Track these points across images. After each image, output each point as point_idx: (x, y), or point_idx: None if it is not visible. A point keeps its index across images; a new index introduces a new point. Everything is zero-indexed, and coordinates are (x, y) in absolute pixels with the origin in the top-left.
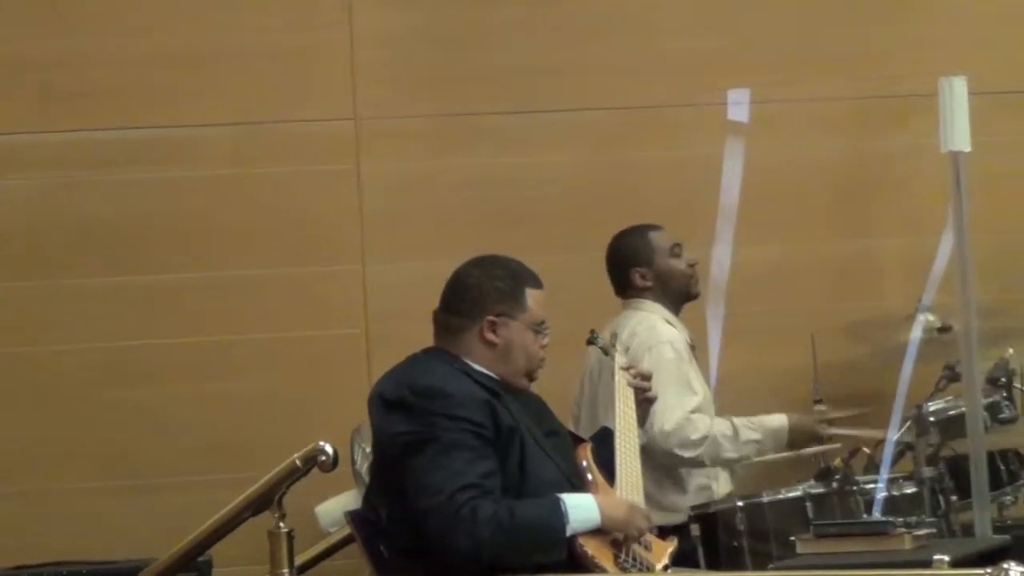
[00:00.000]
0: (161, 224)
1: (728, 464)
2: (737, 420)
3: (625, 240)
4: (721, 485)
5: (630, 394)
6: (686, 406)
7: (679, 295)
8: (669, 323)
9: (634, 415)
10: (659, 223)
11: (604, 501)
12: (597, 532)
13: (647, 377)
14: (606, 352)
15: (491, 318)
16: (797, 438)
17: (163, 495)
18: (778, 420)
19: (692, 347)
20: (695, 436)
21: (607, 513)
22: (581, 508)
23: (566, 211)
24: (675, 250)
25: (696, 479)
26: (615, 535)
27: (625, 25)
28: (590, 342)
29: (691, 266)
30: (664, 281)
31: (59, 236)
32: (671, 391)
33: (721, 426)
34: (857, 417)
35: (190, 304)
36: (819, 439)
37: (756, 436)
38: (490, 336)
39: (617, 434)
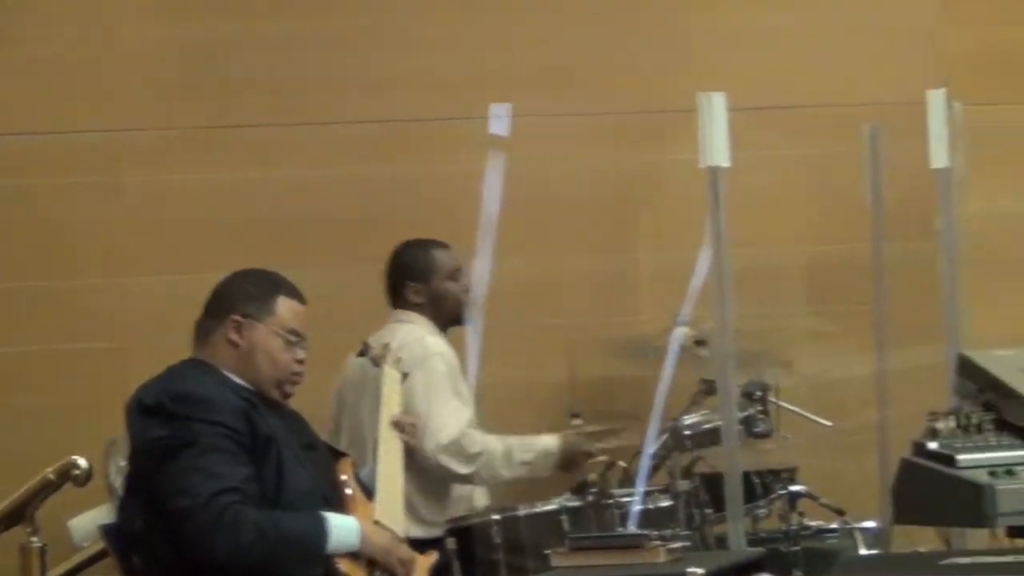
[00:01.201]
0: None
1: (498, 483)
2: (510, 439)
3: (408, 252)
4: (479, 498)
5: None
6: (461, 420)
7: (449, 318)
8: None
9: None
10: (446, 242)
11: (368, 528)
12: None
13: (411, 424)
14: (376, 363)
15: (235, 317)
16: (567, 459)
17: None
18: (548, 441)
19: None
20: (472, 450)
21: (369, 540)
22: (343, 530)
23: (329, 224)
24: (455, 274)
25: (456, 492)
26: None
27: (389, 39)
28: (361, 353)
29: (466, 292)
30: (437, 301)
31: None
32: (445, 405)
33: (495, 444)
34: (614, 430)
35: None
36: (589, 457)
37: (528, 457)
38: (233, 336)
39: (380, 447)
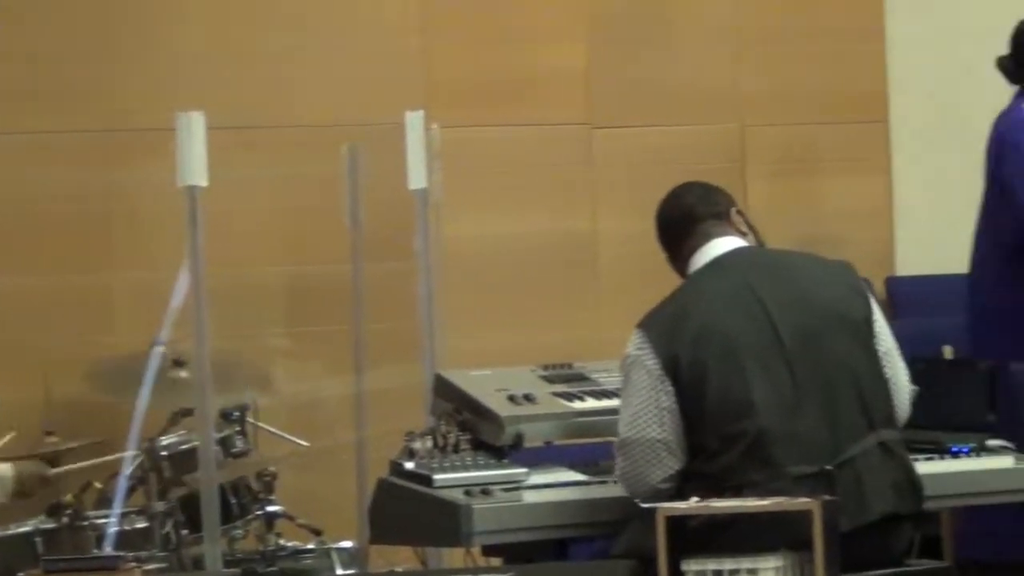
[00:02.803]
0: None
1: None
2: None
3: None
4: None
5: None
6: None
7: None
8: None
9: None
10: None
11: None
12: None
13: None
14: None
15: None
16: (25, 486)
17: None
18: (2, 468)
19: None
20: None
21: None
22: None
23: None
24: None
25: None
26: None
27: None
28: None
29: None
30: None
31: None
32: None
33: None
34: (88, 448)
35: None
36: (47, 481)
37: None
38: None
39: None
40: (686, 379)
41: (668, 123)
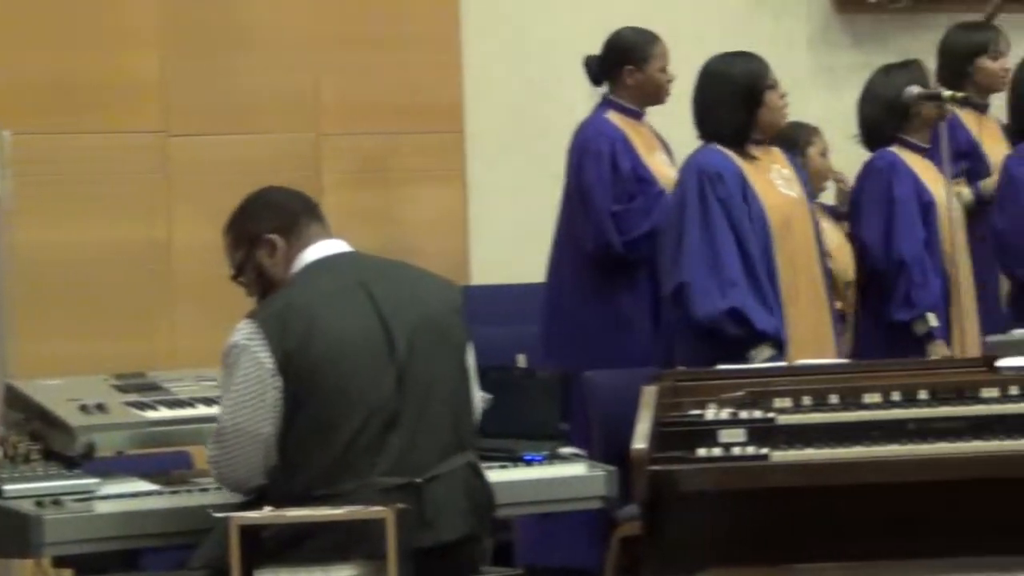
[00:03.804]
0: None
1: None
2: None
3: None
4: None
5: None
6: None
7: None
8: None
9: None
10: None
11: None
12: None
13: None
14: None
15: None
16: None
17: None
18: None
19: None
20: None
21: None
22: None
23: None
24: None
25: None
26: None
27: None
28: None
29: None
30: None
31: None
32: None
33: None
34: None
35: None
36: None
37: None
38: None
39: None
40: (294, 377)
41: (244, 132)
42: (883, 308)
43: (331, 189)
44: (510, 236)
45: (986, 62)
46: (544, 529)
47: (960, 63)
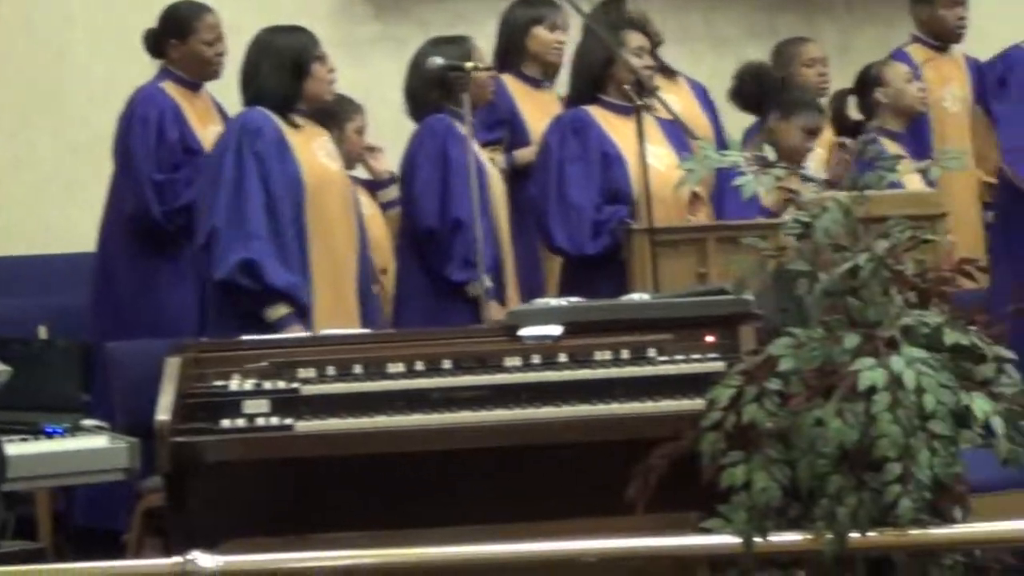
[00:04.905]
0: None
1: None
2: None
3: None
4: None
5: None
6: None
7: None
8: None
9: None
10: None
11: None
12: None
13: None
14: None
15: None
16: None
17: None
18: None
19: None
20: None
21: None
22: None
23: None
24: None
25: None
26: None
27: None
28: None
29: None
30: None
31: None
32: None
33: None
34: None
35: None
36: None
37: None
38: None
39: None
40: None
41: None
42: (436, 267)
43: None
44: (31, 205)
45: (541, 31)
46: (102, 491)
47: (518, 34)
